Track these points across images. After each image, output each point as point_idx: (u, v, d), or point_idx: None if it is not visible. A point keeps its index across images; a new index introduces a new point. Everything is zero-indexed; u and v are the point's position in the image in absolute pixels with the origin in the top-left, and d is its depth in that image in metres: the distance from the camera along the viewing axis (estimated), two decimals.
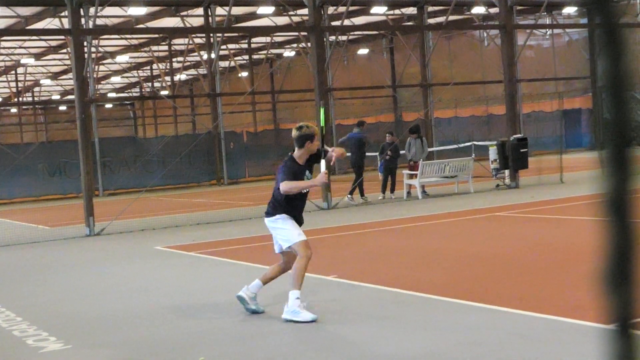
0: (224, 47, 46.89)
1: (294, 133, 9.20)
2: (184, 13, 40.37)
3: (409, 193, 24.36)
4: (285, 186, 8.91)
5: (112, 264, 14.84)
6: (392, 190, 24.40)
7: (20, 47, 48.09)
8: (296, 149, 9.19)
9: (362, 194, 23.71)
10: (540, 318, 8.08)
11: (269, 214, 9.22)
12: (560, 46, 48.88)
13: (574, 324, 7.73)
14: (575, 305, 8.52)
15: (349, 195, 23.51)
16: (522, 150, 24.65)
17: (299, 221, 9.25)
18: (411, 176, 24.18)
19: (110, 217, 20.79)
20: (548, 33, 49.08)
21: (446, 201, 22.64)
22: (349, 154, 24.85)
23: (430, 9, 43.18)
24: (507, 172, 25.26)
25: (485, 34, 47.65)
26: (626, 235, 1.78)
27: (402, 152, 24.88)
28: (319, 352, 7.54)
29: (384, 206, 22.56)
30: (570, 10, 43.39)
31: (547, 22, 45.60)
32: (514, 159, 24.61)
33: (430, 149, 32.53)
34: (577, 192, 21.86)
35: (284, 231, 9.04)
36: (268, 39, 51.92)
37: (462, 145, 36.07)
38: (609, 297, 1.81)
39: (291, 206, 9.15)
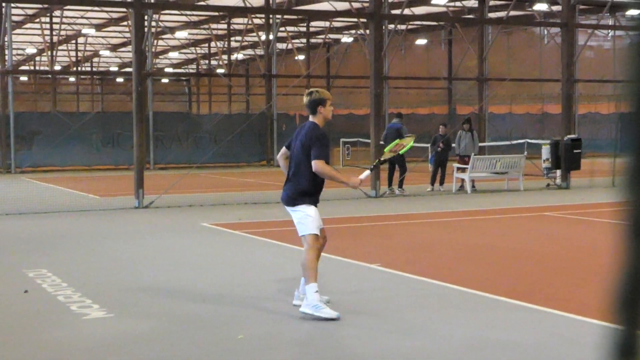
0: (282, 29, 46.92)
1: (305, 99, 8.88)
2: None
3: (461, 187, 24.22)
4: (321, 168, 8.54)
5: (159, 237, 14.98)
6: (442, 183, 24.29)
7: (82, 17, 48.57)
8: (310, 116, 8.89)
9: (400, 185, 23.45)
10: (584, 322, 8.01)
11: (291, 203, 8.69)
12: (621, 48, 48.18)
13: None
14: None
15: (400, 188, 23.31)
16: (575, 151, 24.41)
17: (317, 201, 8.83)
18: (461, 170, 24.05)
19: (160, 191, 20.96)
20: (610, 34, 48.41)
21: (495, 197, 22.49)
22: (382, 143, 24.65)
23: (492, 2, 42.89)
24: (558, 172, 25.02)
25: (545, 32, 47.12)
26: None
27: (453, 145, 24.77)
28: (359, 337, 7.55)
29: (432, 198, 22.47)
30: (634, 12, 42.75)
31: (610, 23, 44.99)
32: (567, 159, 24.37)
33: (482, 144, 32.32)
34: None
35: (306, 218, 8.57)
36: (327, 24, 51.86)
37: (514, 142, 35.76)
38: (618, 317, 1.75)
39: (316, 189, 8.72)
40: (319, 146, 8.63)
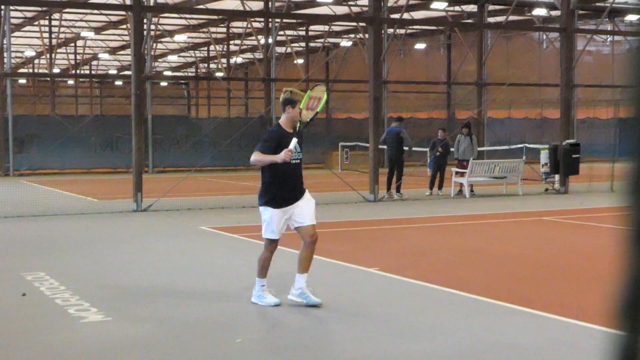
0: (281, 32, 46.96)
1: (281, 97, 9.19)
2: None
3: (460, 191, 24.20)
4: (252, 158, 8.90)
5: (157, 240, 14.97)
6: (440, 187, 24.29)
7: (81, 20, 48.56)
8: (282, 113, 9.18)
9: (398, 190, 23.44)
10: (583, 326, 8.01)
11: (258, 201, 9.26)
12: (620, 53, 48.23)
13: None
14: None
15: (398, 193, 23.31)
16: (574, 156, 24.42)
17: (297, 195, 9.06)
18: (459, 174, 24.04)
19: (158, 194, 20.95)
20: (608, 39, 48.42)
21: (493, 202, 22.49)
22: (384, 147, 24.62)
23: (491, 7, 42.89)
24: (557, 176, 25.03)
25: (544, 37, 47.18)
26: None
27: (452, 149, 24.78)
28: (357, 341, 7.54)
29: (431, 202, 22.46)
30: (632, 17, 42.77)
31: (609, 29, 45.00)
32: (565, 164, 24.38)
33: (480, 149, 32.31)
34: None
35: (264, 223, 9.05)
36: (326, 28, 51.87)
37: (513, 146, 35.78)
38: (620, 323, 1.74)
39: (273, 188, 8.99)
40: (260, 141, 8.99)
